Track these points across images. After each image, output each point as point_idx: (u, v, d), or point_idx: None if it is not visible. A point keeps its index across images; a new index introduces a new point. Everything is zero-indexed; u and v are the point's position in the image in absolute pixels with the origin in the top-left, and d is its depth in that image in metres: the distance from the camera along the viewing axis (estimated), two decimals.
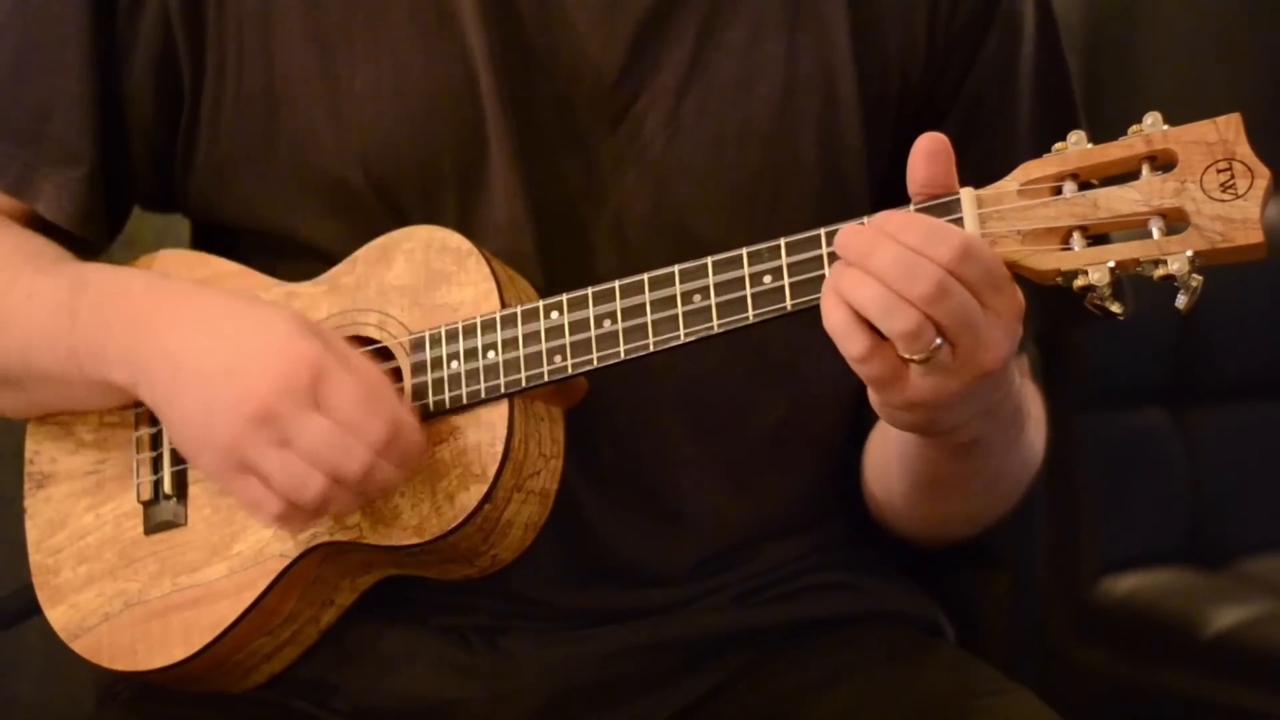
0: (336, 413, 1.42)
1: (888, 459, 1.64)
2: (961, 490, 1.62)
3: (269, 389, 1.42)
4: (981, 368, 1.33)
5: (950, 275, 1.30)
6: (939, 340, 1.31)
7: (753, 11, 1.60)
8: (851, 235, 1.33)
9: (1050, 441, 1.71)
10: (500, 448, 1.47)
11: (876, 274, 1.30)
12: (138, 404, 1.60)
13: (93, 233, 1.64)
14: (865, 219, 1.36)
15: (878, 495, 1.69)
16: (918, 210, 1.35)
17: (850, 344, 1.32)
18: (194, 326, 1.49)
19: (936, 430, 1.43)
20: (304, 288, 1.58)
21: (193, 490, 1.58)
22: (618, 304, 1.45)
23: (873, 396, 1.38)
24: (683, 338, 1.43)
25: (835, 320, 1.33)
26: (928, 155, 1.35)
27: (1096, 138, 1.34)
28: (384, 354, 1.54)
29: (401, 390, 1.50)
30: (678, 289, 1.43)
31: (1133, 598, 2.37)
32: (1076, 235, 1.32)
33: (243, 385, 1.43)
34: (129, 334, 1.50)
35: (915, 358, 1.32)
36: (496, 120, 1.57)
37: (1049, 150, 1.35)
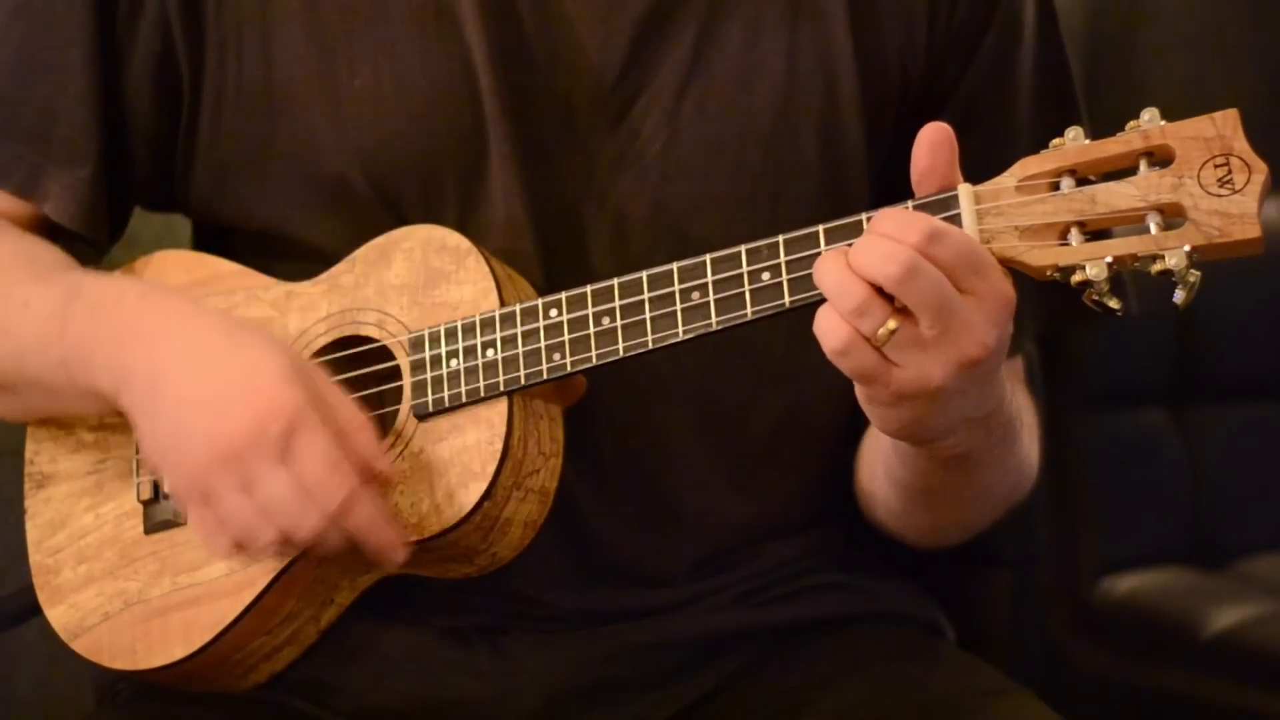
0: (300, 471, 1.41)
1: (874, 466, 1.64)
2: (952, 501, 1.62)
3: (240, 432, 1.41)
4: (964, 353, 1.32)
5: (921, 256, 1.30)
6: (892, 324, 1.31)
7: (752, 10, 1.60)
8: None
9: (1049, 442, 1.71)
10: (499, 445, 1.47)
11: (849, 261, 1.32)
12: None
13: (97, 233, 1.65)
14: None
15: (868, 500, 1.69)
16: (915, 207, 1.36)
17: (829, 338, 1.33)
18: (181, 349, 1.48)
19: (927, 435, 1.43)
20: (303, 287, 1.58)
21: None
22: (616, 302, 1.45)
23: (860, 394, 1.38)
24: (681, 335, 1.43)
25: (820, 322, 1.34)
26: (931, 144, 1.35)
27: (1096, 136, 1.34)
28: (383, 353, 1.54)
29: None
30: (676, 287, 1.43)
31: (1133, 598, 2.36)
32: (1074, 231, 1.32)
33: (217, 422, 1.42)
34: (116, 343, 1.50)
35: (874, 339, 1.31)
36: (496, 120, 1.57)
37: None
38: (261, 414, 1.41)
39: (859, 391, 1.38)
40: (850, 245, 1.33)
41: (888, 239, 1.31)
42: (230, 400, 1.43)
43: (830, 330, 1.32)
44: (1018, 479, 1.65)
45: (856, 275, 1.31)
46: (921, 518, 1.65)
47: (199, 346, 1.48)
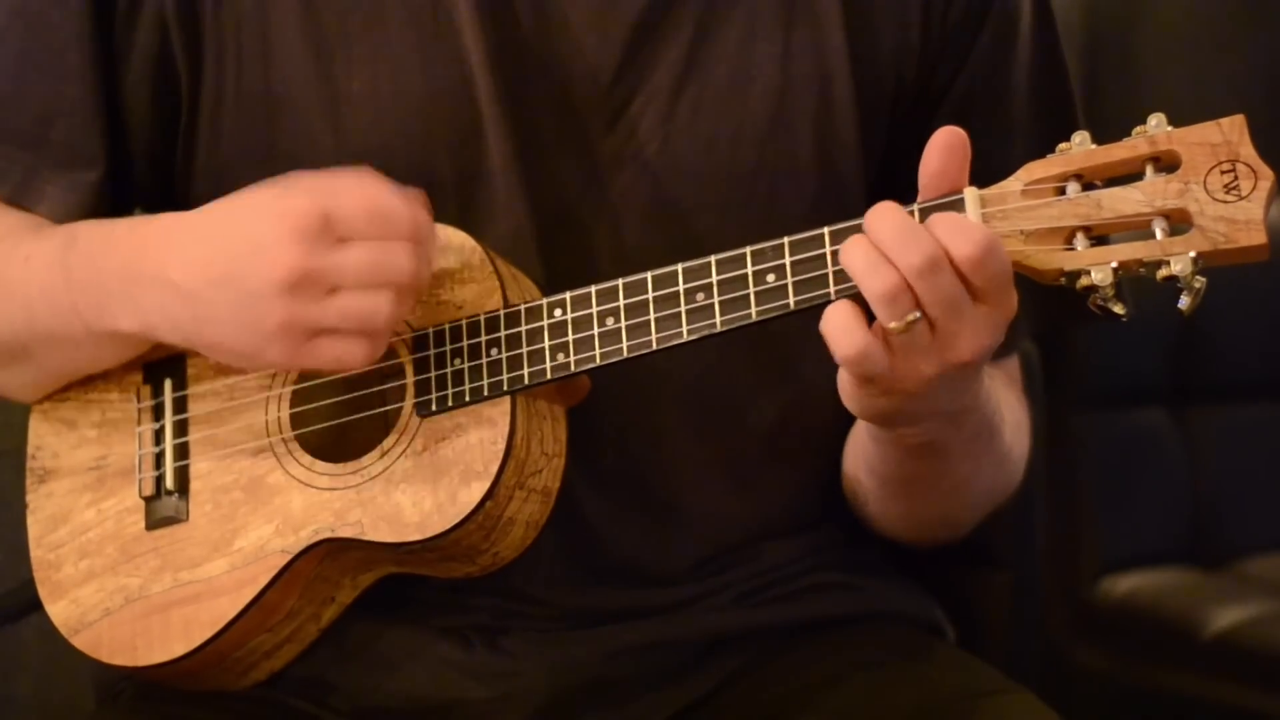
0: (363, 231, 1.42)
1: (857, 459, 1.65)
2: (927, 492, 1.62)
3: (288, 252, 1.41)
4: (959, 355, 1.34)
5: (945, 254, 1.31)
6: (916, 314, 1.31)
7: (748, 11, 1.60)
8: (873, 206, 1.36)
9: (1049, 442, 1.71)
10: (502, 445, 1.47)
11: (873, 234, 1.33)
12: (140, 399, 1.60)
13: None
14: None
15: (854, 491, 1.69)
16: (921, 209, 1.36)
17: (842, 346, 1.33)
18: (186, 247, 1.48)
19: (895, 421, 1.44)
20: None
21: (195, 486, 1.58)
22: (621, 302, 1.45)
23: (845, 379, 1.39)
24: (686, 336, 1.43)
25: (830, 326, 1.34)
26: (944, 148, 1.35)
27: (1097, 138, 1.34)
28: (387, 351, 1.54)
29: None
30: (681, 287, 1.43)
31: (1133, 598, 2.37)
32: (1080, 235, 1.32)
33: (262, 263, 1.42)
34: (126, 282, 1.50)
35: (891, 325, 1.32)
36: (495, 122, 1.57)
37: (1045, 151, 1.35)
38: (294, 224, 1.41)
39: (843, 376, 1.38)
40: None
41: (919, 227, 1.32)
42: (260, 241, 1.42)
43: (843, 337, 1.33)
44: (998, 474, 1.66)
45: (886, 259, 1.31)
46: (899, 507, 1.66)
47: (200, 234, 1.48)
